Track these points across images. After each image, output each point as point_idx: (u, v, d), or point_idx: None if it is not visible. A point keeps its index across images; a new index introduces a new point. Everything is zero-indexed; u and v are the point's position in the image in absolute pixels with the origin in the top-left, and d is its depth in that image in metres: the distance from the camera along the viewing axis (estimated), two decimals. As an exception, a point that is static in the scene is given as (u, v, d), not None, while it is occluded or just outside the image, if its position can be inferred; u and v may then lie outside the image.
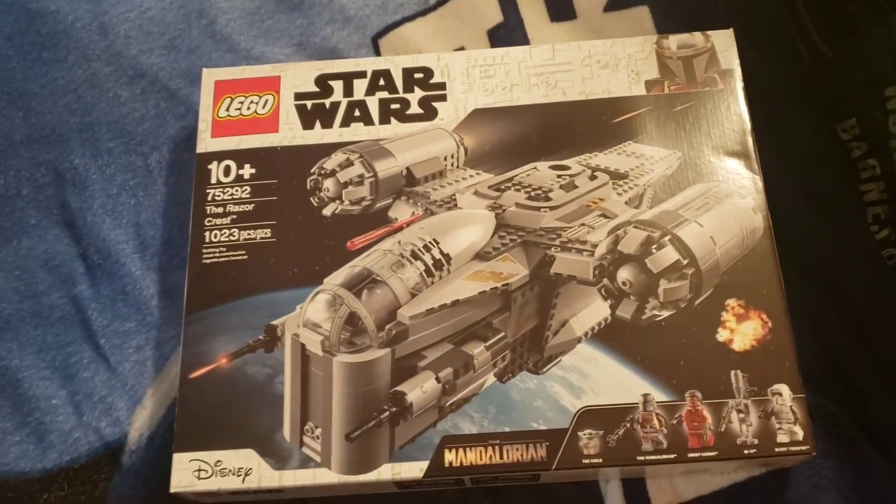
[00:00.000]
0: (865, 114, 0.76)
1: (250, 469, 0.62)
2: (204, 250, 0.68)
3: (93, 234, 0.76)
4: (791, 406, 0.61)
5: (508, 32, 0.81)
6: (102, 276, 0.74)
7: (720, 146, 0.69)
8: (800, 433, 0.60)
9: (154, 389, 0.71)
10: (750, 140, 0.69)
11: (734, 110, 0.70)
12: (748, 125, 0.69)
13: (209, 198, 0.70)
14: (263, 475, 0.61)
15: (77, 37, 0.82)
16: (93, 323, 0.73)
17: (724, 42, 0.72)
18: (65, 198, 0.77)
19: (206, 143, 0.71)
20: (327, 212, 0.69)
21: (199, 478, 0.61)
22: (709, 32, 0.73)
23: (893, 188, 0.74)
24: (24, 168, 0.79)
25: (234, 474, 0.61)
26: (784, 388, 0.61)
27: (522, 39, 0.80)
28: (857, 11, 0.80)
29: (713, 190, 0.67)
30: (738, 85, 0.71)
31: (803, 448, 0.60)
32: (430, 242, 0.63)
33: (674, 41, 0.72)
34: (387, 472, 0.61)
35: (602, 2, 0.81)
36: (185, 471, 0.62)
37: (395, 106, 0.72)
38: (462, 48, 0.80)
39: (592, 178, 0.68)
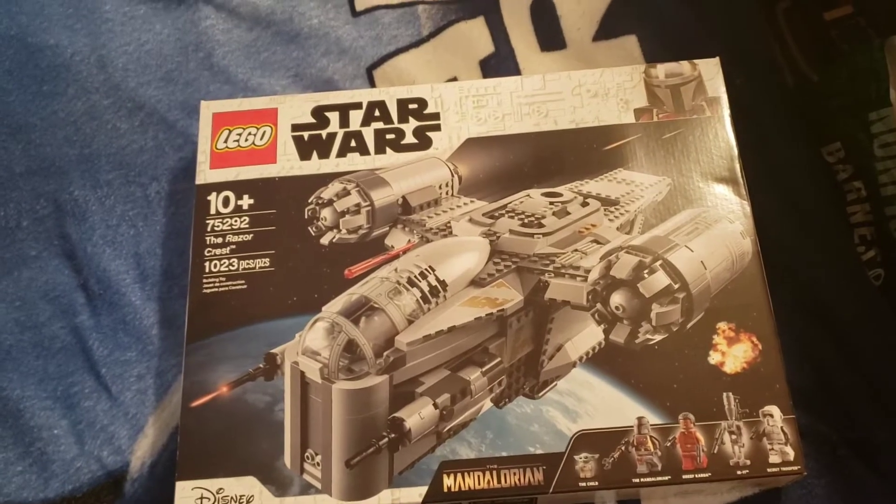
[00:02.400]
0: (850, 137, 0.78)
1: (252, 496, 0.62)
2: (204, 280, 0.69)
3: (93, 265, 0.77)
4: (782, 427, 0.62)
5: (500, 62, 0.82)
6: (103, 306, 0.75)
7: (709, 172, 0.70)
8: (791, 454, 0.61)
9: (155, 418, 0.72)
10: (738, 166, 0.70)
11: (722, 137, 0.72)
12: (735, 151, 0.71)
13: (209, 228, 0.71)
14: (265, 502, 0.62)
15: (76, 70, 0.84)
16: (94, 353, 0.74)
17: (710, 70, 0.74)
18: (65, 229, 0.78)
19: (206, 174, 0.73)
20: (325, 241, 0.70)
21: (201, 505, 0.62)
22: (696, 61, 0.74)
23: (878, 210, 0.76)
24: (25, 200, 0.80)
25: (235, 502, 0.62)
26: (775, 410, 0.63)
27: (514, 69, 0.82)
28: (840, 36, 0.82)
29: (702, 215, 0.69)
30: (726, 112, 0.73)
31: (794, 468, 0.61)
32: (426, 269, 0.64)
33: (661, 70, 0.74)
34: (386, 497, 0.62)
35: (591, 31, 0.83)
36: (188, 499, 0.62)
37: (390, 136, 0.74)
38: (455, 78, 0.82)
39: (584, 204, 0.69)
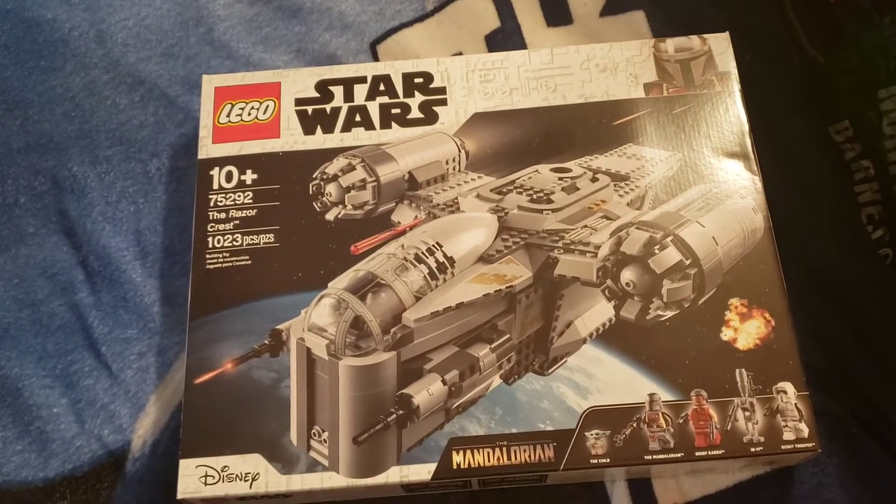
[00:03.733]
0: (859, 116, 0.77)
1: (257, 474, 0.61)
2: (207, 255, 0.68)
3: (92, 242, 0.75)
4: (796, 404, 0.61)
5: (506, 37, 0.81)
6: (103, 284, 0.74)
7: (719, 148, 0.70)
8: (805, 430, 0.61)
9: (157, 396, 0.70)
10: (748, 141, 0.70)
11: (732, 112, 0.71)
12: (746, 127, 0.70)
13: (211, 203, 0.70)
14: (271, 480, 0.61)
15: (74, 45, 0.82)
16: (94, 330, 0.73)
17: (720, 45, 0.73)
18: (63, 205, 0.77)
19: (208, 149, 0.71)
20: (330, 216, 0.69)
21: (205, 483, 0.61)
22: (705, 36, 0.73)
23: (887, 189, 0.75)
24: (22, 176, 0.78)
25: (241, 479, 0.61)
26: (788, 386, 0.62)
27: (520, 44, 0.81)
28: (845, 17, 0.81)
29: (713, 191, 0.68)
30: (736, 87, 0.72)
31: (809, 445, 0.60)
32: (433, 246, 0.63)
33: (671, 44, 0.73)
34: (395, 474, 0.61)
35: (598, 7, 0.82)
36: (192, 477, 0.61)
37: (395, 111, 0.72)
38: (460, 53, 0.81)
39: (594, 180, 0.69)
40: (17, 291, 0.74)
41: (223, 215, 0.69)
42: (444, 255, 0.63)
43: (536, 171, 0.69)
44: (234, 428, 0.63)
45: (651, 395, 0.62)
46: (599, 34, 0.81)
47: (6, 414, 0.71)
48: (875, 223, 0.75)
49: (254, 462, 0.62)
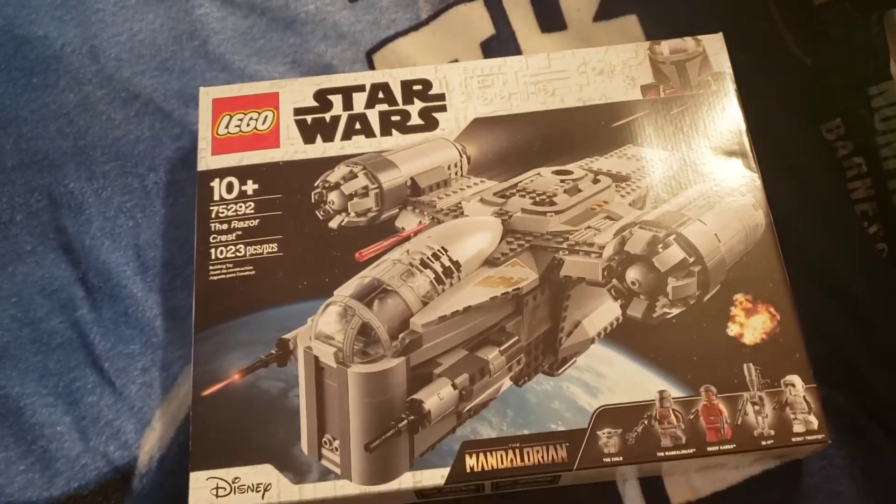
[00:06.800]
0: (850, 113, 0.78)
1: (269, 484, 0.61)
2: (210, 267, 0.67)
3: (91, 258, 0.75)
4: (804, 396, 0.62)
5: (501, 44, 0.82)
6: (103, 300, 0.73)
7: (718, 146, 0.70)
8: (814, 422, 0.61)
9: (163, 411, 0.70)
10: (746, 139, 0.70)
11: (729, 111, 0.71)
12: (744, 126, 0.71)
13: (213, 215, 0.69)
14: (283, 490, 0.61)
15: (67, 61, 0.82)
16: (96, 347, 0.72)
17: (714, 46, 0.74)
18: (61, 222, 0.76)
19: (207, 160, 0.71)
20: (333, 224, 0.69)
21: (217, 495, 0.61)
22: (699, 37, 0.74)
23: (880, 184, 0.76)
24: (18, 194, 0.78)
25: (253, 490, 0.61)
26: (796, 379, 0.62)
27: (515, 51, 0.82)
28: (829, 19, 0.82)
29: (714, 189, 0.68)
30: (731, 87, 0.73)
31: (819, 437, 0.61)
32: (438, 250, 0.63)
33: (666, 46, 0.74)
34: (408, 480, 0.60)
35: (591, 12, 0.82)
36: (203, 489, 0.61)
37: (395, 118, 0.73)
38: (456, 61, 0.81)
39: (595, 181, 0.69)
40: (15, 310, 0.73)
41: (225, 226, 0.69)
42: (450, 260, 0.63)
43: (538, 174, 0.70)
44: (243, 439, 0.62)
45: (661, 392, 0.62)
46: (593, 39, 0.81)
47: (8, 434, 0.70)
48: (869, 219, 0.76)
49: (265, 472, 0.61)
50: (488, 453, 0.61)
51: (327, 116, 0.73)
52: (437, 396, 0.60)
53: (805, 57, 0.81)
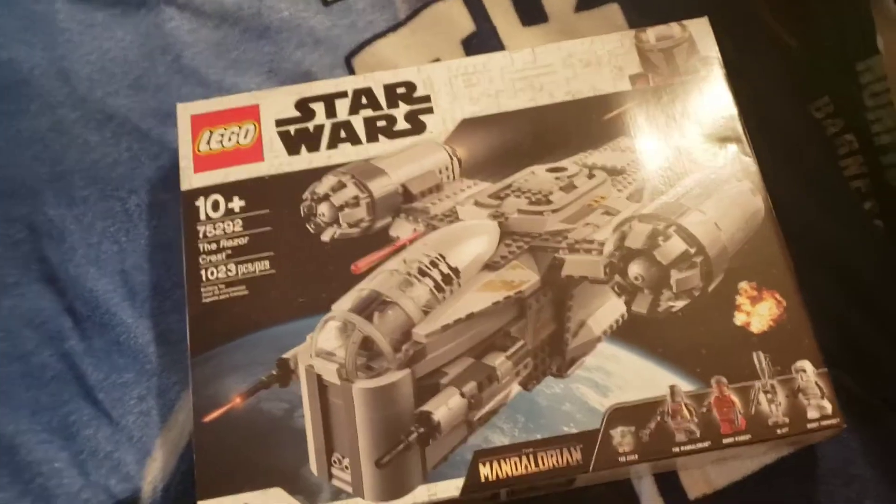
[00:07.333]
0: (839, 90, 0.77)
1: (280, 509, 0.59)
2: (202, 289, 0.66)
3: (77, 287, 0.73)
4: (816, 381, 0.61)
5: (482, 41, 0.80)
6: (93, 329, 0.71)
7: (711, 133, 0.69)
8: (828, 407, 0.60)
9: (163, 439, 0.68)
10: (739, 124, 0.69)
11: (720, 96, 0.71)
12: (735, 110, 0.70)
13: (201, 234, 0.67)
14: (295, 513, 0.59)
15: (37, 84, 0.79)
16: (88, 378, 0.70)
17: (700, 30, 0.73)
18: (43, 252, 0.74)
19: (190, 179, 0.69)
20: (325, 237, 0.67)
21: (227, 524, 0.59)
22: (684, 22, 0.73)
23: (873, 160, 0.76)
24: (-4, 225, 0.75)
25: (264, 516, 0.59)
26: (807, 364, 0.62)
27: (497, 46, 0.80)
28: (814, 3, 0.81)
29: (710, 177, 0.68)
30: (720, 71, 0.72)
31: (833, 421, 0.60)
32: (436, 258, 0.62)
33: (652, 34, 0.73)
34: (423, 493, 0.59)
35: (572, 2, 0.81)
36: (212, 518, 0.59)
37: (381, 123, 0.71)
38: (438, 60, 0.80)
39: (590, 176, 0.68)
40: (3, 345, 0.71)
41: (213, 246, 0.67)
42: (449, 267, 0.62)
43: (532, 172, 0.69)
44: (250, 463, 0.60)
45: (672, 386, 0.61)
46: (576, 30, 0.80)
47: (4, 473, 0.67)
48: (863, 196, 0.75)
49: (276, 496, 0.60)
50: (502, 461, 0.60)
51: (310, 126, 0.71)
52: (445, 407, 0.59)
53: (790, 38, 0.81)
